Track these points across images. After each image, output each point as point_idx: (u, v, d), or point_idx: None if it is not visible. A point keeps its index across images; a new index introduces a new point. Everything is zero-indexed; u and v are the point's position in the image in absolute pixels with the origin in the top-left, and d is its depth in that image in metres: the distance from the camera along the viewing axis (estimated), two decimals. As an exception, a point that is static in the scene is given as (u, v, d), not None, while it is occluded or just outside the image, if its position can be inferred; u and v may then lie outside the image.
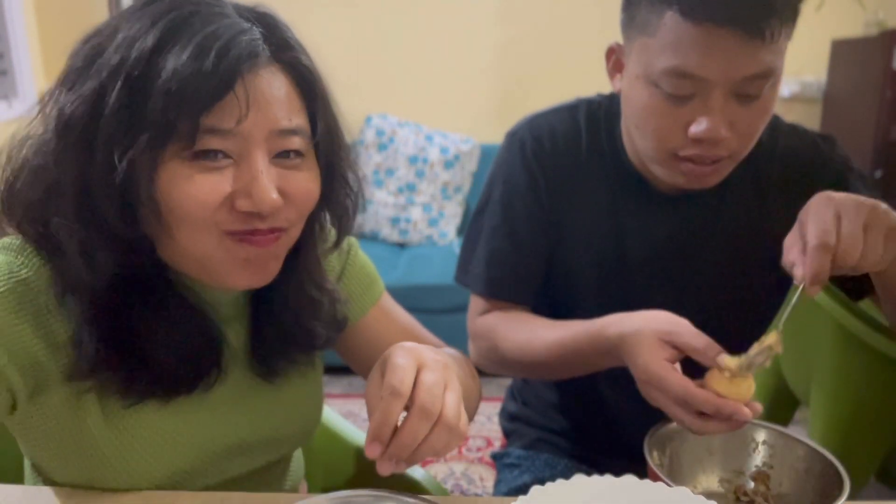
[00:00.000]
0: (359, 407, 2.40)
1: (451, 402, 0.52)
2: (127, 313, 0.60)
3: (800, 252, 0.65)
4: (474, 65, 3.13)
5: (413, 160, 2.94)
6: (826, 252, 0.63)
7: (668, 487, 0.60)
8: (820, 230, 0.64)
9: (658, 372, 0.67)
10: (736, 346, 0.97)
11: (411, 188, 2.93)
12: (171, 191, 0.55)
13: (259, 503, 0.70)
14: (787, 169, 0.89)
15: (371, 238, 2.99)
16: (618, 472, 0.61)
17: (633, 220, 0.90)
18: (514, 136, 0.94)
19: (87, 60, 0.56)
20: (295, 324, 0.70)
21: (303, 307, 0.70)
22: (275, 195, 0.56)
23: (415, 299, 2.50)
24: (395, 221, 2.94)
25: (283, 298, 0.69)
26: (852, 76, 2.84)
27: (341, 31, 3.09)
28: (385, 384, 0.51)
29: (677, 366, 0.70)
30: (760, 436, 0.72)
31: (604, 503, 0.59)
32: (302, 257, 0.68)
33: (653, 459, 0.66)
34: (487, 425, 2.32)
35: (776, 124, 0.91)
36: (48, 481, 0.68)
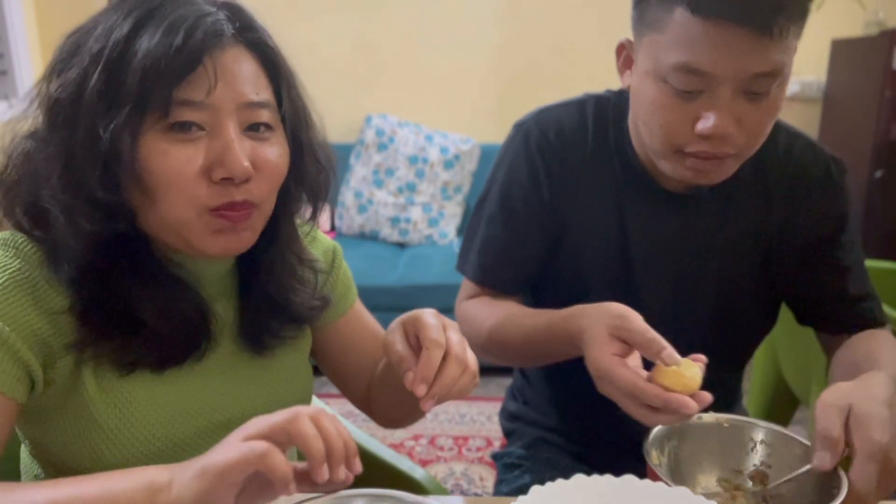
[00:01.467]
0: (359, 407, 2.40)
1: (473, 355, 0.66)
2: (116, 283, 0.64)
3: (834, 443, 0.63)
4: (474, 65, 3.13)
5: (413, 160, 2.94)
6: (875, 464, 0.61)
7: (667, 487, 0.60)
8: (874, 445, 0.62)
9: (607, 367, 0.68)
10: (735, 345, 0.97)
11: (411, 188, 2.93)
12: (151, 163, 0.60)
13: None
14: (797, 182, 0.91)
15: (371, 238, 2.99)
16: (618, 472, 0.61)
17: (637, 218, 0.90)
18: (520, 127, 0.94)
19: (69, 53, 0.61)
20: (278, 293, 0.74)
21: (285, 276, 0.75)
22: (246, 162, 0.62)
23: (415, 299, 2.51)
24: (395, 221, 2.94)
25: (267, 268, 0.73)
26: (852, 76, 2.84)
27: (342, 31, 3.09)
28: (426, 338, 0.63)
29: (637, 358, 0.72)
30: (759, 435, 0.72)
31: (604, 503, 0.59)
32: (281, 228, 0.73)
33: (651, 459, 0.66)
34: (487, 425, 2.32)
35: (794, 136, 0.93)
36: (49, 467, 0.69)
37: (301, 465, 0.54)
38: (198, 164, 0.61)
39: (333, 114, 3.48)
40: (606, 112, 0.93)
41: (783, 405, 1.83)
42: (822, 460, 0.63)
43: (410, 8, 3.08)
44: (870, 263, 1.79)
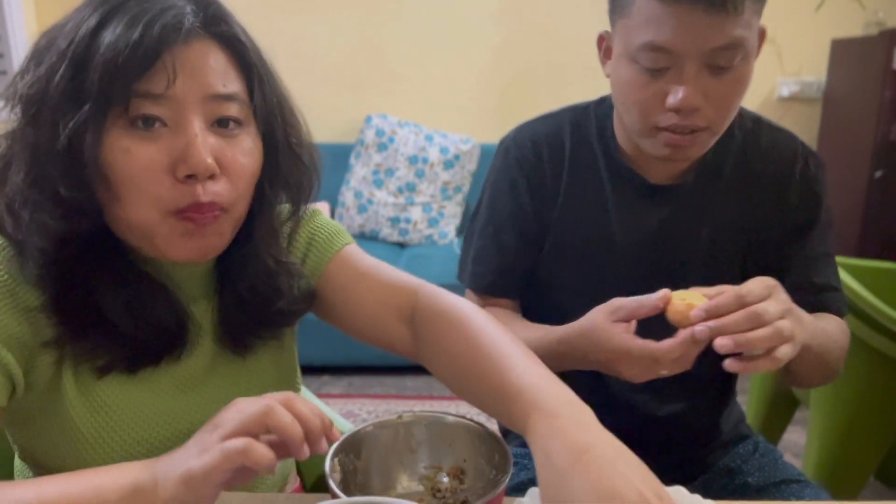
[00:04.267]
0: (358, 406, 2.40)
1: None
2: (84, 283, 0.63)
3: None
4: (474, 65, 3.13)
5: (413, 160, 2.94)
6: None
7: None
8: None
9: (620, 342, 0.75)
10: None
11: (411, 188, 2.93)
12: (113, 161, 0.59)
13: (258, 503, 0.70)
14: (778, 177, 0.95)
15: (371, 238, 2.99)
16: None
17: (620, 210, 0.95)
18: (501, 145, 1.02)
19: (40, 52, 0.61)
20: (254, 295, 0.72)
21: (260, 278, 0.72)
22: (210, 159, 0.60)
23: (415, 299, 2.51)
24: (395, 221, 2.94)
25: (238, 268, 0.72)
26: (852, 76, 2.84)
27: (342, 31, 3.09)
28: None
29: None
30: (448, 429, 0.70)
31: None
32: (255, 229, 0.70)
33: (333, 472, 0.62)
34: (488, 426, 2.32)
35: (776, 131, 0.97)
36: (38, 470, 0.69)
37: (275, 437, 0.54)
38: (161, 161, 0.60)
39: (333, 114, 3.50)
40: (587, 115, 0.99)
41: (783, 406, 1.83)
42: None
43: (411, 8, 3.08)
44: (870, 263, 1.80)
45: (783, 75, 3.08)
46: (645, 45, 0.80)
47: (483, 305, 1.00)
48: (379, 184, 2.95)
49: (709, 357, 0.72)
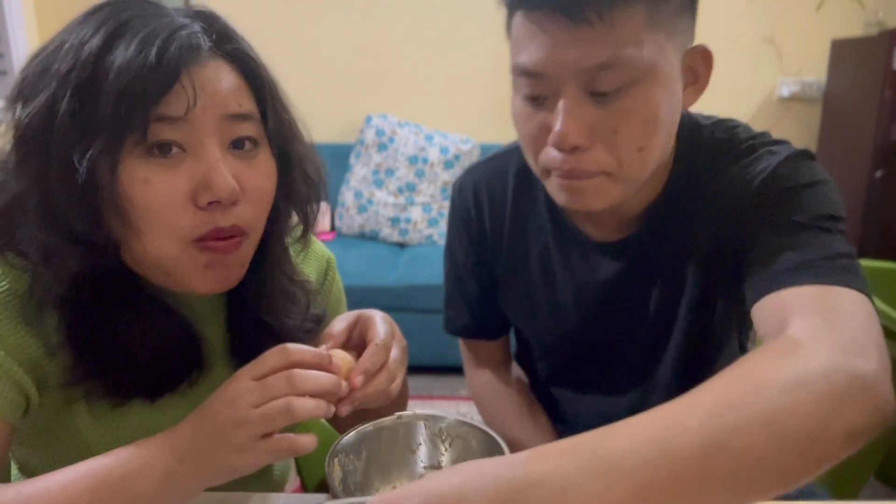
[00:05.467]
0: (359, 407, 2.40)
1: (399, 381, 0.65)
2: (102, 319, 0.61)
3: None
4: (474, 65, 3.13)
5: (413, 160, 2.93)
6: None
7: None
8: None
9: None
10: (678, 384, 0.91)
11: (411, 188, 2.93)
12: (132, 192, 0.56)
13: (258, 503, 0.70)
14: (732, 207, 0.73)
15: (371, 238, 2.99)
16: None
17: (561, 268, 0.87)
18: (454, 188, 0.96)
19: (36, 74, 0.57)
20: (269, 315, 0.71)
21: (276, 298, 0.71)
22: (233, 182, 0.58)
23: (415, 299, 2.51)
24: (395, 221, 2.94)
25: (256, 291, 0.70)
26: (852, 76, 2.84)
27: (342, 31, 3.09)
28: (377, 337, 0.62)
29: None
30: (447, 429, 0.70)
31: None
32: (270, 249, 0.69)
33: (334, 472, 0.62)
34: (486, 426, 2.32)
35: (744, 158, 0.75)
36: None
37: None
38: (182, 189, 0.57)
39: (333, 114, 3.49)
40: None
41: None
42: None
43: (411, 8, 3.08)
44: (869, 263, 1.80)
45: (783, 75, 3.08)
46: (515, 69, 0.69)
47: (468, 347, 1.02)
48: (379, 184, 2.95)
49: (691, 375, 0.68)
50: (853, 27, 2.98)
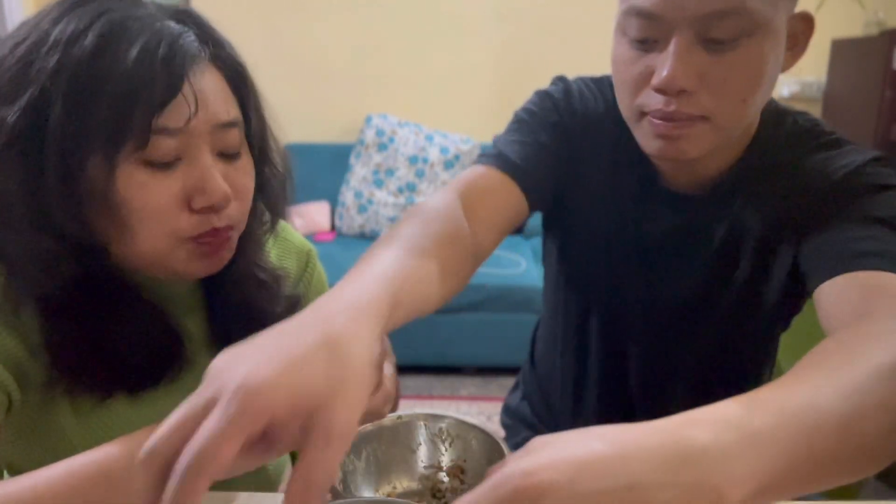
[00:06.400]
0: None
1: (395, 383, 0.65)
2: (82, 316, 0.61)
3: None
4: (474, 65, 3.13)
5: (413, 160, 2.94)
6: None
7: None
8: None
9: None
10: (711, 361, 0.89)
11: (411, 188, 2.93)
12: (128, 196, 0.56)
13: (263, 502, 0.70)
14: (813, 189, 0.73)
15: (371, 238, 2.99)
16: None
17: (631, 212, 0.85)
18: (563, 79, 0.90)
19: (20, 67, 0.54)
20: (246, 304, 0.72)
21: (251, 287, 0.73)
22: (226, 187, 0.60)
23: (415, 299, 2.51)
24: (395, 221, 2.93)
25: (233, 281, 0.71)
26: (852, 76, 2.85)
27: (342, 31, 3.09)
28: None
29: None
30: (447, 429, 0.70)
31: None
32: (244, 240, 0.70)
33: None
34: (488, 425, 2.32)
35: (833, 144, 0.76)
36: None
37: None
38: (177, 194, 0.58)
39: (333, 114, 3.49)
40: None
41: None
42: None
43: (410, 8, 3.08)
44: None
45: (783, 75, 3.08)
46: (628, 11, 0.68)
47: (475, 180, 0.78)
48: (379, 184, 2.95)
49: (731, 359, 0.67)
50: (853, 27, 2.98)
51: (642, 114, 0.71)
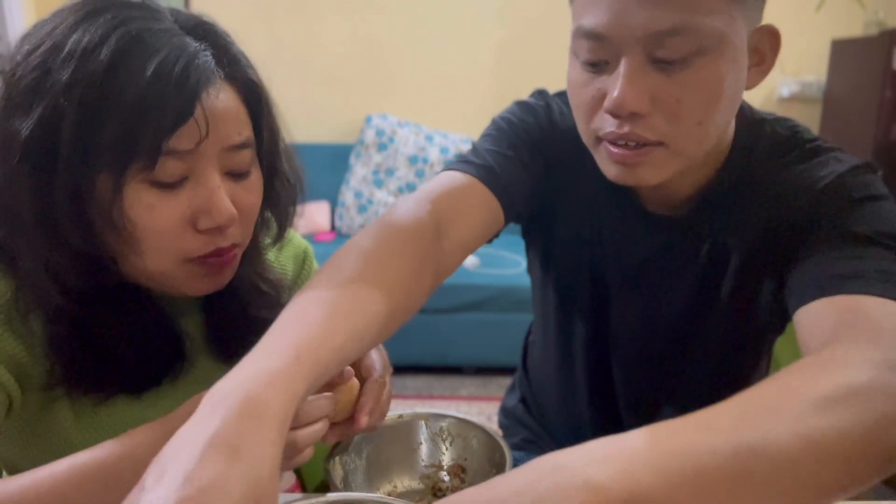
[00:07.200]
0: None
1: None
2: (87, 319, 0.61)
3: None
4: (475, 64, 3.13)
5: (413, 160, 2.94)
6: None
7: None
8: None
9: None
10: (700, 376, 0.88)
11: (411, 188, 2.93)
12: (135, 217, 0.56)
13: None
14: (786, 218, 0.72)
15: (371, 238, 2.99)
16: None
17: (611, 234, 0.83)
18: (543, 93, 0.89)
19: (34, 77, 0.54)
20: (244, 313, 0.72)
21: (251, 298, 0.72)
22: (232, 209, 0.59)
23: (415, 299, 2.50)
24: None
25: (232, 292, 0.70)
26: (852, 76, 2.85)
27: (342, 31, 3.09)
28: (380, 373, 0.64)
29: None
30: (448, 428, 0.71)
31: None
32: (248, 251, 0.69)
33: (335, 470, 0.63)
34: (487, 425, 2.32)
35: (804, 163, 0.74)
36: None
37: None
38: (183, 215, 0.58)
39: (333, 114, 3.49)
40: None
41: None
42: None
43: (410, 7, 3.08)
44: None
45: (783, 75, 3.08)
46: (577, 32, 0.66)
47: (447, 187, 0.75)
48: (379, 184, 2.95)
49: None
50: (853, 27, 2.98)
51: (598, 139, 0.69)
